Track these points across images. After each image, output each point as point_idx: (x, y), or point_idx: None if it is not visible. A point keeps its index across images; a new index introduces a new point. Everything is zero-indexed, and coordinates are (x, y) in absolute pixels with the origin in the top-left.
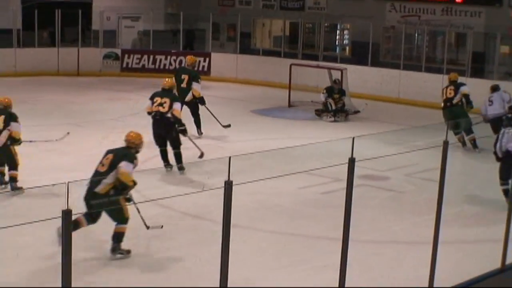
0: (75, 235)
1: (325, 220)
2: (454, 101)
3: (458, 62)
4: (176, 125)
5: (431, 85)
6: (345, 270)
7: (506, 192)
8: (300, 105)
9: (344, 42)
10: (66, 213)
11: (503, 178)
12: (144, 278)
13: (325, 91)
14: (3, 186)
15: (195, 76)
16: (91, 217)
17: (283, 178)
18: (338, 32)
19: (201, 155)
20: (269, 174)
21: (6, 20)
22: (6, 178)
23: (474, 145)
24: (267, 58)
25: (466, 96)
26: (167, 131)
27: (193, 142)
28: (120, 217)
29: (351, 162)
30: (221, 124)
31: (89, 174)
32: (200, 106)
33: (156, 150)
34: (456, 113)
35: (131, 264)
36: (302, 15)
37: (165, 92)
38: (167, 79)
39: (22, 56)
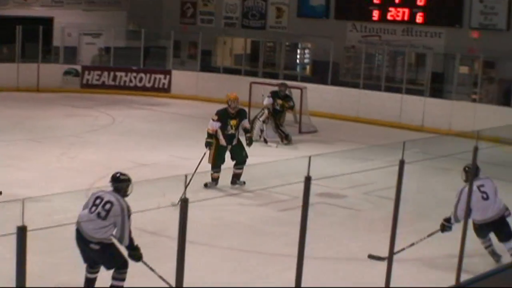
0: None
1: (282, 237)
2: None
3: (417, 82)
4: None
5: (390, 105)
6: (300, 287)
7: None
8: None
9: (305, 61)
10: (21, 230)
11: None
12: None
13: (270, 94)
14: None
15: None
16: None
17: (241, 196)
18: (299, 51)
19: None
20: (227, 192)
21: None
22: None
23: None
24: (228, 76)
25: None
26: None
27: None
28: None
29: (307, 180)
30: None
31: (45, 190)
32: None
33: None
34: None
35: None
36: (263, 34)
37: None
38: None
39: None
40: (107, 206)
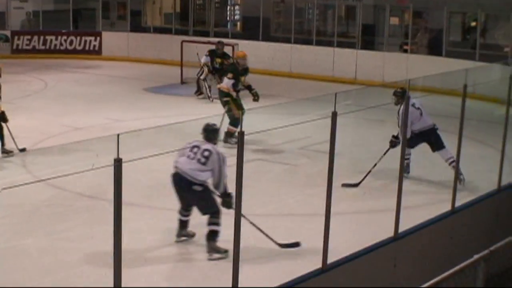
0: None
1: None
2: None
3: (348, 35)
4: None
5: (322, 58)
6: (239, 244)
7: (180, 224)
8: (192, 82)
9: (235, 17)
10: None
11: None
12: (40, 260)
13: (207, 53)
14: None
15: None
16: None
17: (175, 154)
18: (228, 7)
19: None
20: (161, 150)
21: None
22: None
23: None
24: (159, 36)
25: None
26: None
27: None
28: None
29: (241, 135)
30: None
31: None
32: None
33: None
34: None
35: (28, 246)
36: None
37: None
38: None
39: None
40: (206, 153)
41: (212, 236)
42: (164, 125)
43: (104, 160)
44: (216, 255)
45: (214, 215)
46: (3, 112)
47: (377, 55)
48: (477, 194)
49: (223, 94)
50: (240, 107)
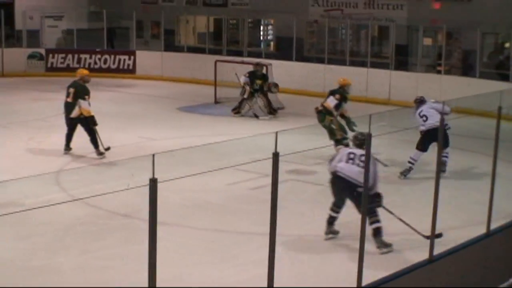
0: None
1: (253, 216)
2: (320, 108)
3: (381, 55)
4: None
5: (356, 79)
6: (273, 265)
7: (329, 220)
8: (226, 101)
9: (268, 37)
10: None
11: (335, 204)
12: (74, 279)
13: (247, 74)
14: None
15: (80, 91)
16: None
17: (210, 174)
18: (262, 27)
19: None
20: (195, 170)
21: None
22: None
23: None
24: (192, 55)
25: (325, 108)
26: None
27: None
28: None
29: (275, 156)
30: (101, 147)
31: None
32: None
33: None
34: (320, 122)
35: (60, 264)
36: (225, 11)
37: None
38: None
39: None
40: (363, 158)
41: (378, 232)
42: (198, 145)
43: (139, 180)
44: (385, 249)
45: (374, 214)
46: (93, 116)
47: (411, 75)
48: None
49: (324, 114)
50: (342, 128)
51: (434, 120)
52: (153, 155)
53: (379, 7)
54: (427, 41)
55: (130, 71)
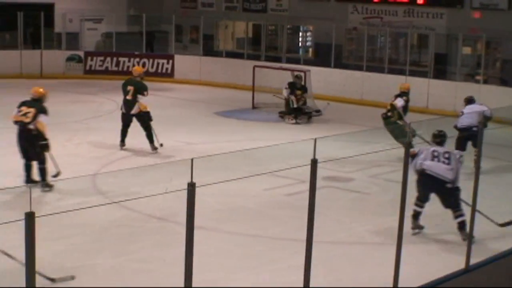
0: None
1: (289, 221)
2: (389, 113)
3: (420, 64)
4: (40, 139)
5: (394, 87)
6: (309, 271)
7: (415, 216)
8: (264, 107)
9: (307, 44)
10: (29, 216)
11: (419, 199)
12: (110, 281)
13: (287, 86)
14: None
15: (140, 88)
16: None
17: (247, 179)
18: (300, 34)
19: (57, 174)
20: (233, 175)
21: None
22: None
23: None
24: (231, 60)
25: (392, 105)
26: (28, 143)
27: (53, 160)
28: None
29: (314, 163)
30: (155, 142)
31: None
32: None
33: (119, 154)
34: (389, 125)
35: (96, 266)
36: (264, 17)
37: (33, 102)
38: (36, 88)
39: None
40: (446, 155)
41: (463, 226)
42: (236, 151)
43: (176, 183)
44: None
45: (458, 208)
46: (149, 112)
47: (449, 84)
48: None
49: (389, 118)
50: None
51: (470, 120)
52: (192, 160)
53: (419, 15)
54: (466, 50)
55: (168, 75)
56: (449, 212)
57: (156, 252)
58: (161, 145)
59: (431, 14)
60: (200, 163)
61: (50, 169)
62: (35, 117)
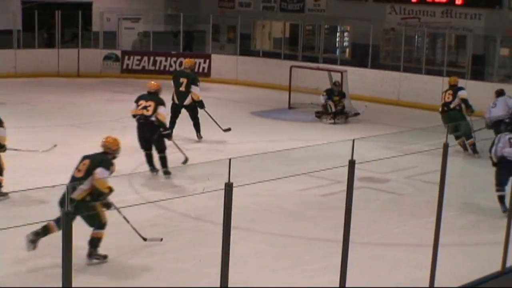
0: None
1: (325, 222)
2: (452, 106)
3: (458, 65)
4: (161, 129)
5: (431, 88)
6: (346, 272)
7: (501, 199)
8: (300, 107)
9: (344, 44)
10: (66, 215)
11: (499, 184)
12: (145, 280)
13: (325, 93)
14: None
15: (194, 79)
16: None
17: (283, 180)
18: (338, 34)
19: (185, 161)
20: (269, 176)
21: (6, 21)
22: None
23: (474, 150)
24: (267, 60)
25: (464, 100)
26: (151, 135)
27: (178, 147)
28: (97, 223)
29: (351, 164)
30: (221, 128)
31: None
32: (199, 109)
33: (155, 153)
34: (453, 118)
35: (133, 266)
36: (302, 17)
37: (151, 95)
38: (152, 82)
39: (22, 57)
40: None
41: None
42: (273, 151)
43: (211, 184)
44: None
45: None
46: (201, 101)
47: (487, 85)
48: None
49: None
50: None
51: (499, 111)
52: (230, 160)
53: (457, 16)
54: (504, 52)
55: (205, 74)
56: (485, 214)
57: (191, 252)
58: (227, 129)
59: (469, 14)
60: (236, 163)
61: (176, 157)
62: (155, 110)
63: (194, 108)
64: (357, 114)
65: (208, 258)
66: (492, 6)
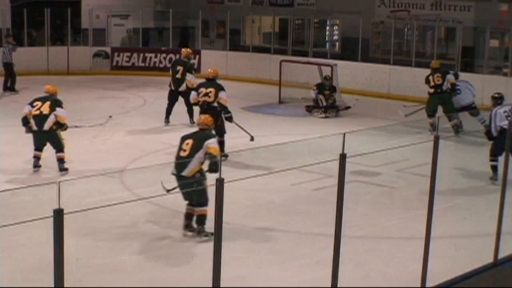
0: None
1: (317, 216)
2: (444, 88)
3: (448, 57)
4: (223, 113)
5: (421, 80)
6: (338, 266)
7: (494, 168)
8: (291, 102)
9: (334, 38)
10: (57, 213)
11: (494, 155)
12: (136, 277)
13: (315, 87)
14: (36, 169)
15: (189, 67)
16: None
17: (274, 174)
18: (327, 28)
19: (252, 139)
20: (260, 171)
21: None
22: (40, 162)
23: (457, 130)
24: (257, 55)
25: (453, 84)
26: (216, 119)
27: (242, 128)
28: (204, 199)
29: (342, 158)
30: (250, 136)
31: (79, 173)
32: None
33: (146, 150)
34: (446, 99)
35: (124, 262)
36: (291, 11)
37: (210, 82)
38: (210, 70)
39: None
40: None
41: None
42: (264, 146)
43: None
44: None
45: None
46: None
47: (477, 77)
48: None
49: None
50: None
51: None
52: (221, 156)
53: (446, 8)
54: (494, 43)
55: (195, 70)
56: (477, 205)
57: (183, 248)
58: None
59: (459, 7)
60: (228, 158)
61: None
62: (216, 95)
63: (189, 94)
64: (348, 107)
65: (201, 253)
66: None
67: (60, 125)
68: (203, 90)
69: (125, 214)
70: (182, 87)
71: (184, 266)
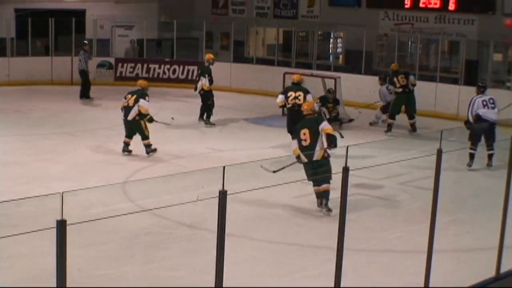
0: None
1: (319, 229)
2: (411, 88)
3: (451, 70)
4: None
5: (425, 93)
6: (340, 279)
7: (471, 155)
8: None
9: (338, 50)
10: (61, 223)
11: (473, 143)
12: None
13: (318, 100)
14: (126, 153)
15: (202, 71)
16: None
17: (277, 186)
18: (331, 40)
19: (351, 120)
20: (263, 183)
21: (0, 29)
22: (130, 147)
23: (414, 129)
24: (261, 67)
25: (414, 85)
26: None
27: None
28: (329, 177)
29: (345, 171)
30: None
31: (82, 184)
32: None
33: (149, 161)
34: (411, 99)
35: (126, 273)
36: (295, 24)
37: (297, 86)
38: (295, 75)
39: (15, 65)
40: (491, 100)
41: (491, 156)
42: (267, 158)
43: (206, 191)
44: None
45: (493, 142)
46: (210, 91)
47: None
48: None
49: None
50: None
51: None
52: (224, 167)
53: (450, 21)
54: (497, 57)
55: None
56: (479, 219)
57: (186, 260)
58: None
59: (463, 20)
60: (231, 170)
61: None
62: (305, 98)
63: (203, 95)
64: (351, 120)
65: (203, 265)
66: (485, 12)
67: (143, 116)
68: (292, 94)
69: (128, 225)
70: (198, 89)
71: (186, 278)
